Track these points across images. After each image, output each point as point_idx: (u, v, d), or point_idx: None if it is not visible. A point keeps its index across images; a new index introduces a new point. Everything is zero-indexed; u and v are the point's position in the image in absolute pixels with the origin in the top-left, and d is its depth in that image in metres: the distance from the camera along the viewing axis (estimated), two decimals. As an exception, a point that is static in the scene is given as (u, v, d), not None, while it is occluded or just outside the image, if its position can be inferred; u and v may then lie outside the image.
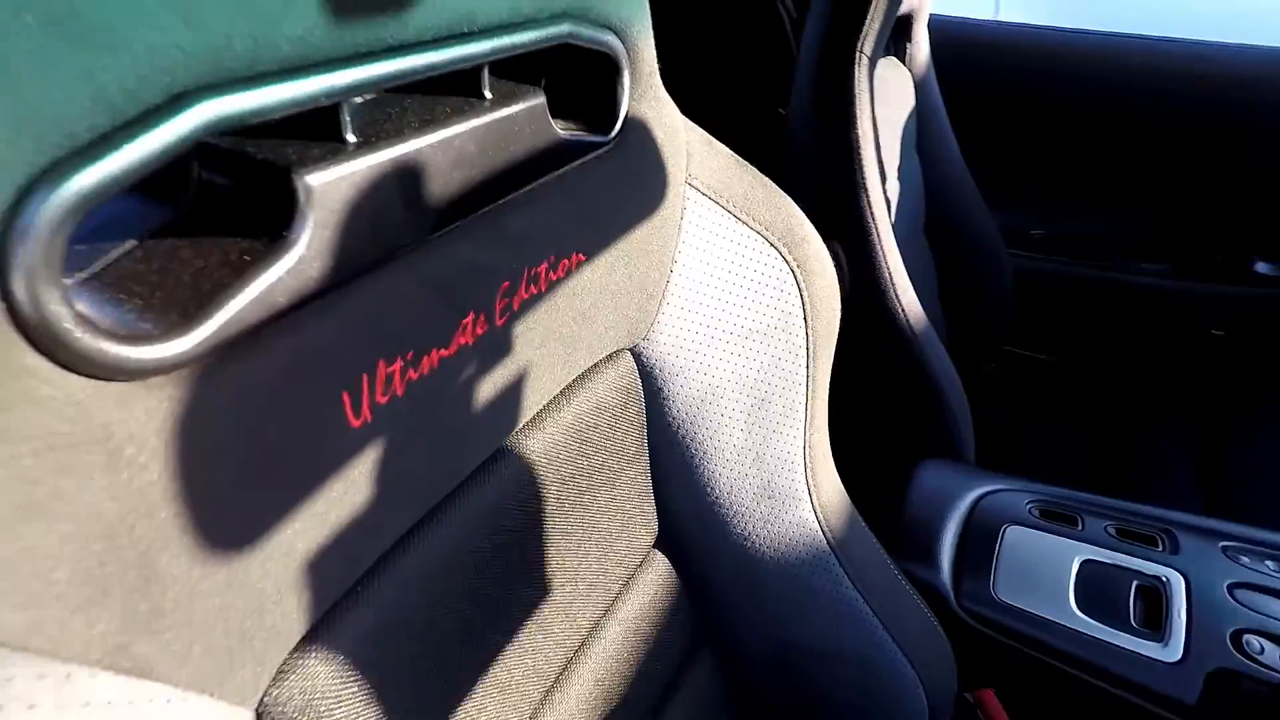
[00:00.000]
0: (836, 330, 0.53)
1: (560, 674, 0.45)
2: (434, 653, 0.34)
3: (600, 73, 0.35)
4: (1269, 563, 0.66)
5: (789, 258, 0.48)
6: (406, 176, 0.25)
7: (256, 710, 0.26)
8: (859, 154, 0.79)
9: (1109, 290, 1.30)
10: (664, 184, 0.41)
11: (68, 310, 0.18)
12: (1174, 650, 0.61)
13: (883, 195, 0.81)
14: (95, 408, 0.19)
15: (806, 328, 0.50)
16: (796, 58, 0.87)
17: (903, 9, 0.91)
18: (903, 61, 1.04)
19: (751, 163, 0.49)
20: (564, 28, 0.31)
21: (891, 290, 0.81)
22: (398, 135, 0.25)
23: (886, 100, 0.96)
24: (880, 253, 0.80)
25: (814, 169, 0.82)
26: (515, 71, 0.32)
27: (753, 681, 0.60)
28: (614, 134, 0.36)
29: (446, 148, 0.27)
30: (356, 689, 0.30)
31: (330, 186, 0.23)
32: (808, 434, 0.52)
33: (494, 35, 0.28)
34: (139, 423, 0.20)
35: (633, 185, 0.39)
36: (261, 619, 0.25)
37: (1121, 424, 1.20)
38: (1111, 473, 1.13)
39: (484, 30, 0.27)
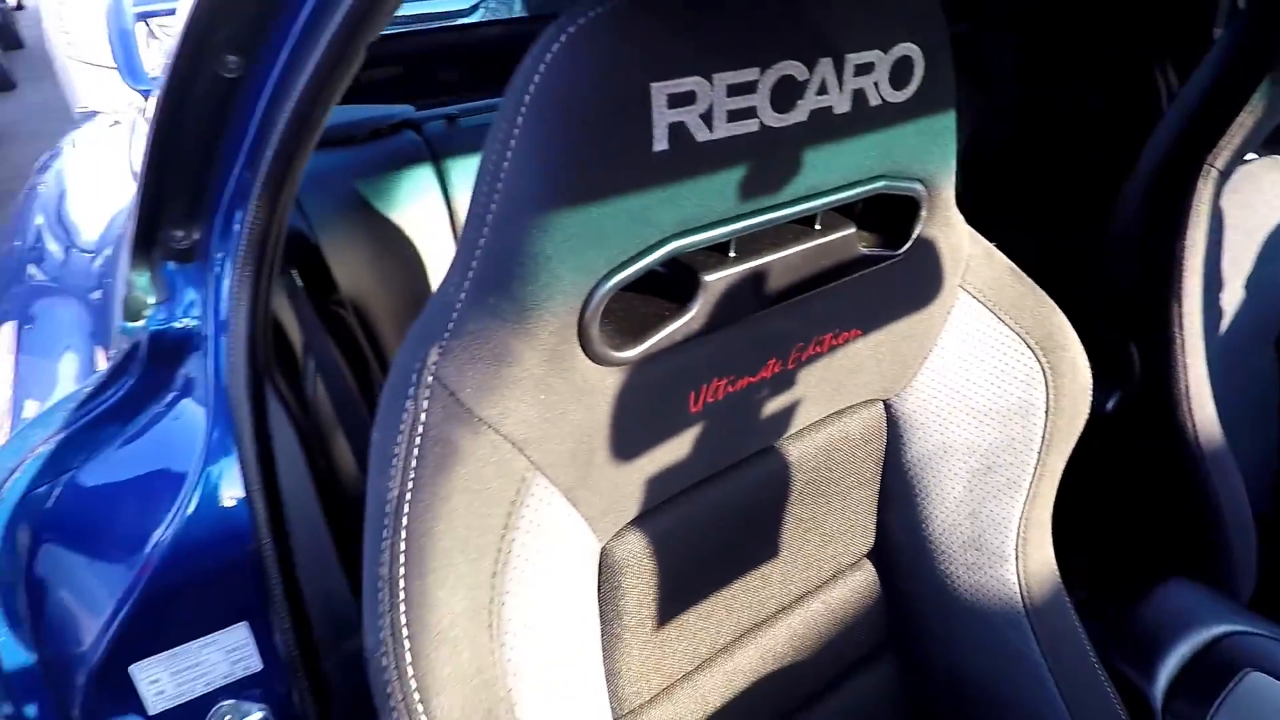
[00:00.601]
0: (1080, 428, 0.60)
1: (764, 621, 0.61)
2: (691, 566, 0.53)
3: (906, 207, 0.50)
4: None
5: (1042, 359, 0.57)
6: (758, 277, 0.43)
7: (602, 549, 0.47)
8: (1181, 264, 0.79)
9: None
10: (938, 287, 0.54)
11: (598, 333, 0.38)
12: None
13: (1201, 303, 0.81)
14: (597, 377, 0.39)
15: (1046, 420, 0.58)
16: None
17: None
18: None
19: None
20: (880, 184, 0.46)
21: (1185, 402, 0.81)
22: (758, 253, 0.43)
23: (1253, 204, 0.92)
24: (1180, 363, 0.80)
25: (1128, 266, 0.84)
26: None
27: (923, 698, 0.70)
28: (903, 250, 0.50)
29: (785, 260, 0.44)
30: (649, 561, 0.49)
31: (716, 280, 0.41)
32: (1026, 508, 0.60)
33: (831, 194, 0.44)
34: (608, 384, 0.40)
35: (911, 285, 0.53)
36: (619, 499, 0.45)
37: None
38: None
39: (824, 192, 0.44)
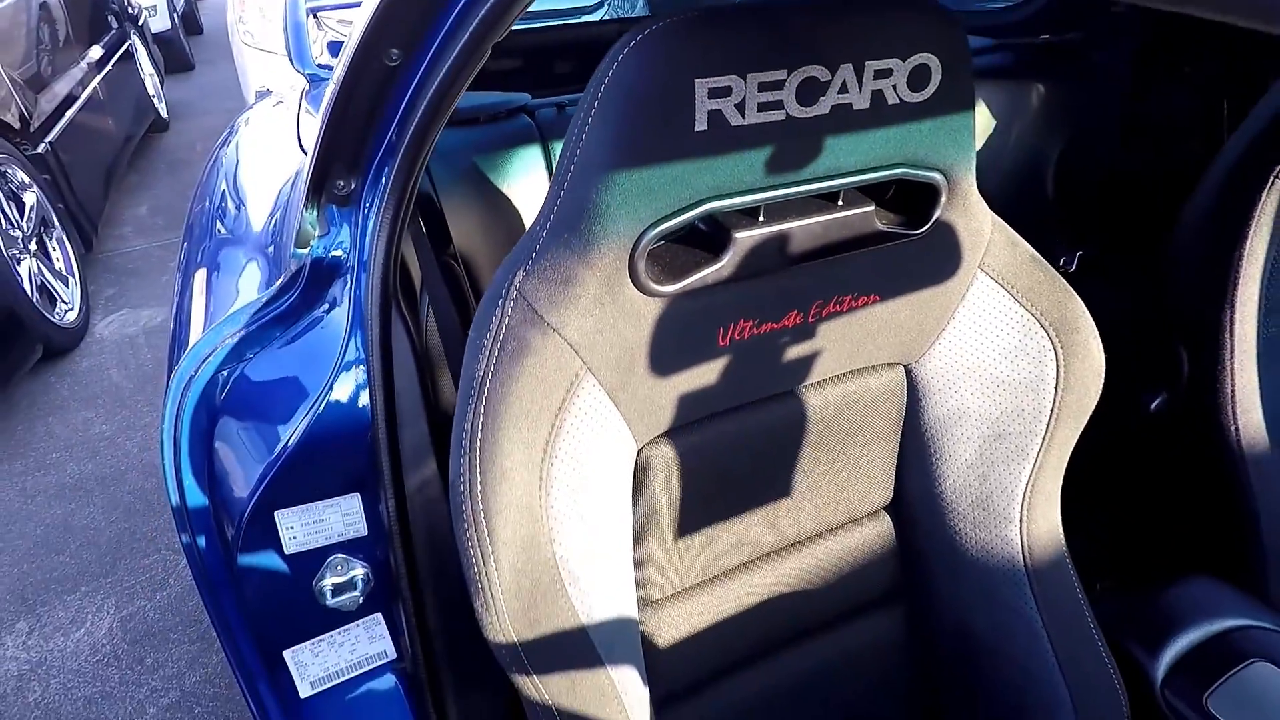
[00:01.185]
0: (1090, 407, 0.66)
1: (781, 550, 0.70)
2: (715, 484, 0.63)
3: (928, 193, 0.57)
4: None
5: (1055, 339, 0.63)
6: (783, 239, 0.53)
7: (639, 451, 0.58)
8: (1238, 273, 0.82)
9: None
10: (956, 266, 0.61)
11: (644, 269, 0.49)
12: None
13: (1258, 312, 0.82)
14: (642, 304, 0.50)
15: (1056, 395, 0.64)
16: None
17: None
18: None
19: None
20: (899, 170, 0.54)
21: (1230, 407, 0.83)
22: (784, 219, 0.52)
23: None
24: (1228, 370, 0.82)
25: (1186, 271, 0.87)
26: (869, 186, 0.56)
27: (928, 644, 0.77)
28: (922, 231, 0.58)
29: (807, 227, 0.53)
30: (678, 470, 0.60)
31: (745, 238, 0.51)
32: (1033, 475, 0.67)
33: (851, 175, 0.53)
34: (650, 311, 0.51)
35: (929, 263, 0.60)
36: (654, 409, 0.56)
37: None
38: None
39: (844, 174, 0.53)
